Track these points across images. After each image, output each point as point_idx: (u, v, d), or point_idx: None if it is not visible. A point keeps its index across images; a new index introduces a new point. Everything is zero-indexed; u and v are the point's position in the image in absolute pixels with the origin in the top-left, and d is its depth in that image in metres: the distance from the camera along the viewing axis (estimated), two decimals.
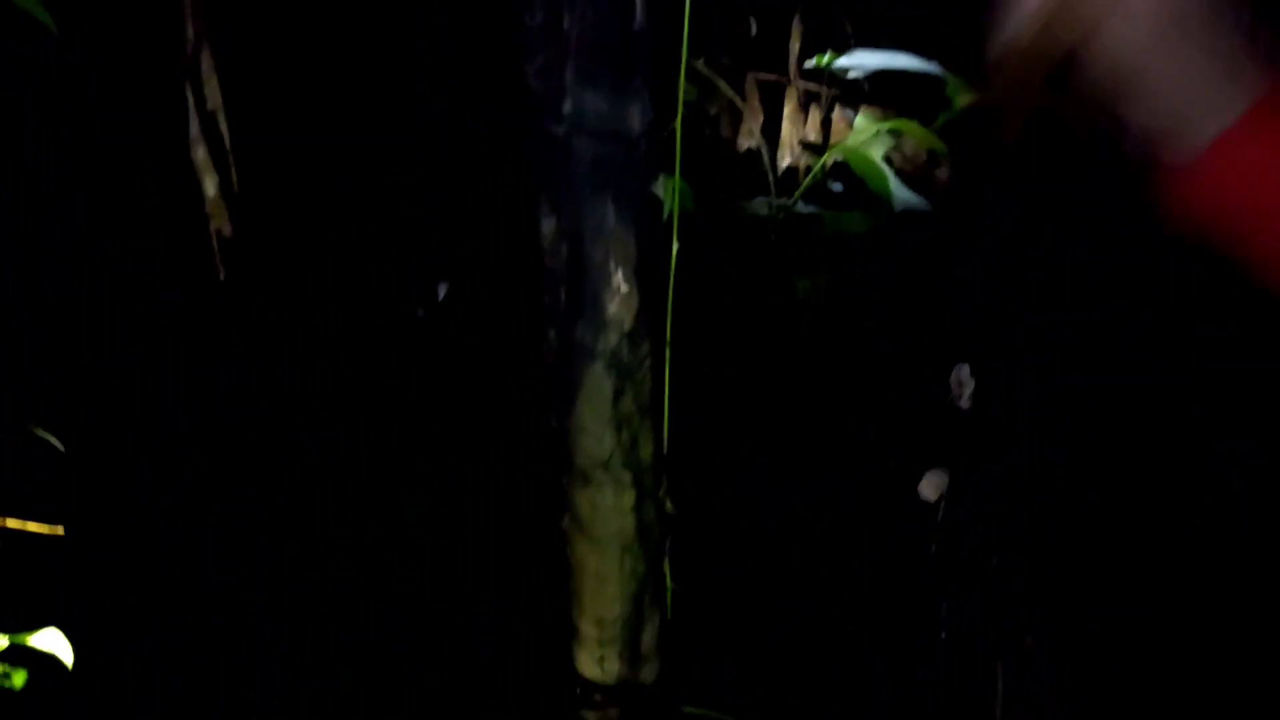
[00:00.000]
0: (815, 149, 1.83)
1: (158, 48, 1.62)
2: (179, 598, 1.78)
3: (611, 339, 1.25)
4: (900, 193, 1.64)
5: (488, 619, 1.81)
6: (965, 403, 1.37)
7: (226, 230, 1.50)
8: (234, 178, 1.55)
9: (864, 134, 1.61)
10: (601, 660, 1.35)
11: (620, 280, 1.24)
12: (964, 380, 1.37)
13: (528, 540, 1.69)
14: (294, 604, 1.84)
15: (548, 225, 1.25)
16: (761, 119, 1.90)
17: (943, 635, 1.40)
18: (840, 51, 1.73)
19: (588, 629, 1.33)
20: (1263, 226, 0.82)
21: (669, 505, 1.28)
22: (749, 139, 1.84)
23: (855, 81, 1.83)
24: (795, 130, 1.84)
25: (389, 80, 1.85)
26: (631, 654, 1.37)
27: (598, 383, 1.25)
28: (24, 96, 1.68)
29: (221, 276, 1.50)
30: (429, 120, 1.87)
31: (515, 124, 1.26)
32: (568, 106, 1.23)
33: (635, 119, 1.25)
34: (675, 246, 1.35)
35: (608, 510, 1.27)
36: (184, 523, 1.81)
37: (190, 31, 1.52)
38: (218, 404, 1.85)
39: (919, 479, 1.45)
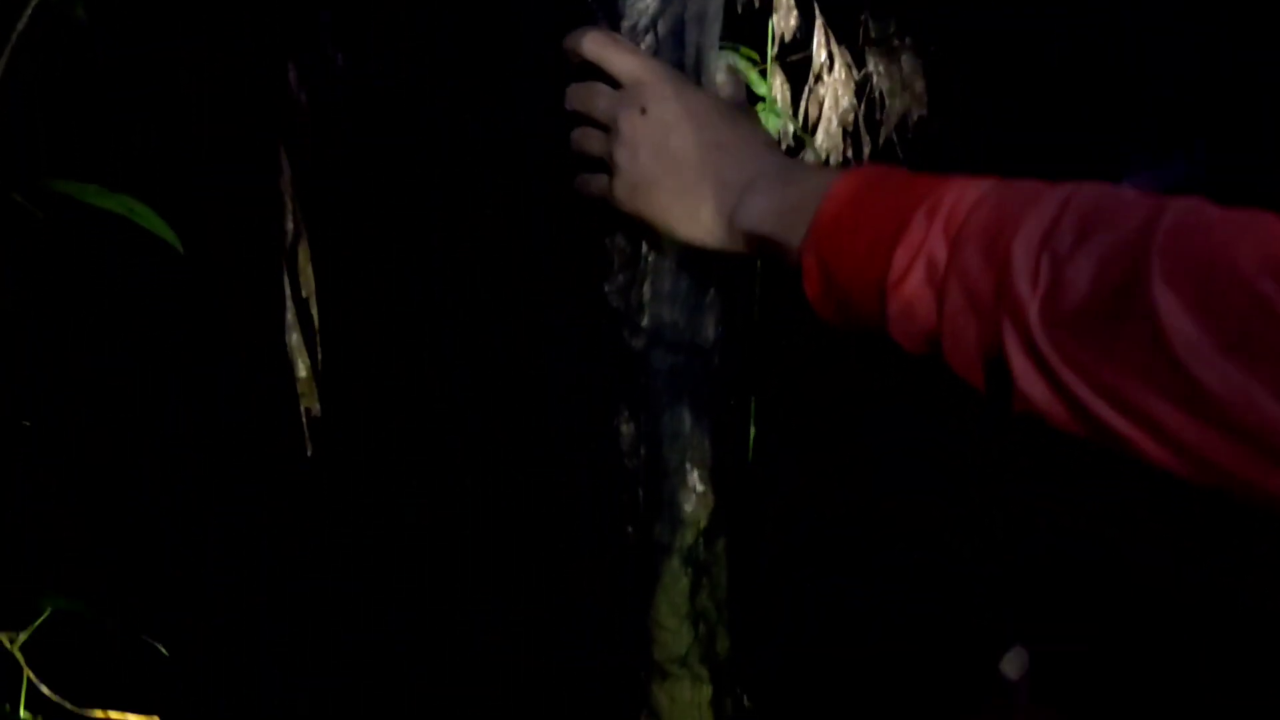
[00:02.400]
0: None
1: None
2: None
3: (688, 537, 1.34)
4: None
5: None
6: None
7: (316, 410, 1.54)
8: (319, 358, 1.57)
9: None
10: None
11: (697, 481, 1.32)
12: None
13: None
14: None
15: (626, 430, 1.31)
16: None
17: None
18: None
19: None
20: (865, 290, 1.00)
21: (747, 701, 1.40)
22: None
23: None
24: None
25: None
26: None
27: (675, 579, 1.35)
28: None
29: (309, 453, 1.55)
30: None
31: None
32: (645, 321, 1.26)
33: (710, 330, 1.30)
34: (752, 431, 1.40)
35: (686, 704, 1.39)
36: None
37: (290, 225, 1.52)
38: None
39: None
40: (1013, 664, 1.48)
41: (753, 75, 1.79)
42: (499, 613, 1.88)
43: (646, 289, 1.26)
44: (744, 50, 1.80)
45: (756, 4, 1.94)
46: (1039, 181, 0.94)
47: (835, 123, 2.09)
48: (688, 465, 1.31)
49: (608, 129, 1.16)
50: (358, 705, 1.93)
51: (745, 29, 1.92)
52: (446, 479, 1.95)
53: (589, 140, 1.19)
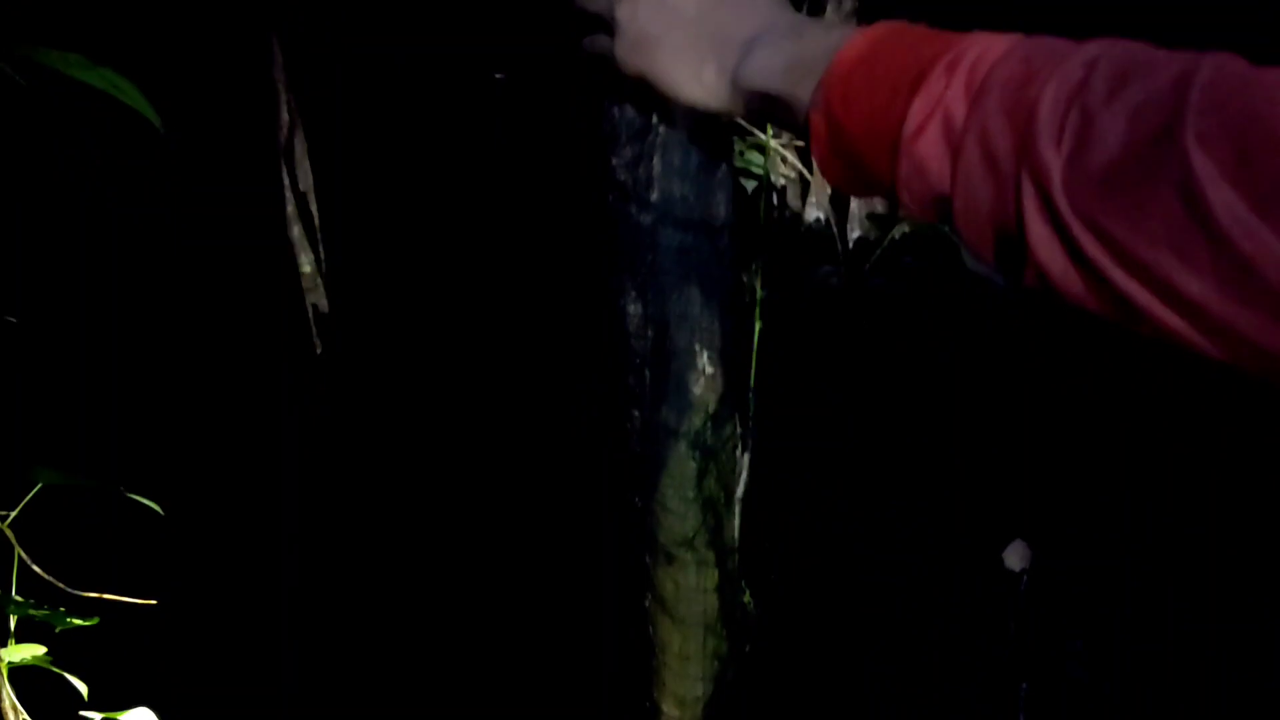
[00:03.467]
0: (884, 221, 1.80)
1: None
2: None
3: (696, 420, 1.31)
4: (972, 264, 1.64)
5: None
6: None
7: (323, 305, 1.51)
8: (322, 254, 1.54)
9: None
10: None
11: (705, 363, 1.30)
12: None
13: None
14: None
15: (633, 310, 1.29)
16: (829, 190, 1.85)
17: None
18: None
19: (670, 709, 1.45)
20: (876, 148, 0.94)
21: (747, 596, 1.37)
22: (817, 210, 1.80)
23: None
24: (864, 202, 1.81)
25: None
26: None
27: (682, 463, 1.32)
28: None
29: (319, 350, 1.51)
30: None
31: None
32: (655, 196, 1.24)
33: (721, 207, 1.27)
34: (758, 326, 1.38)
35: (691, 589, 1.37)
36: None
37: (285, 117, 1.48)
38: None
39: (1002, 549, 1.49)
40: (1015, 555, 1.45)
41: None
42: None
43: (656, 162, 1.22)
44: None
45: None
46: (1066, 40, 0.88)
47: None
48: (697, 347, 1.28)
49: None
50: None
51: None
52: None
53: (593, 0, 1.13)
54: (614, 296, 1.29)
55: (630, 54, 1.11)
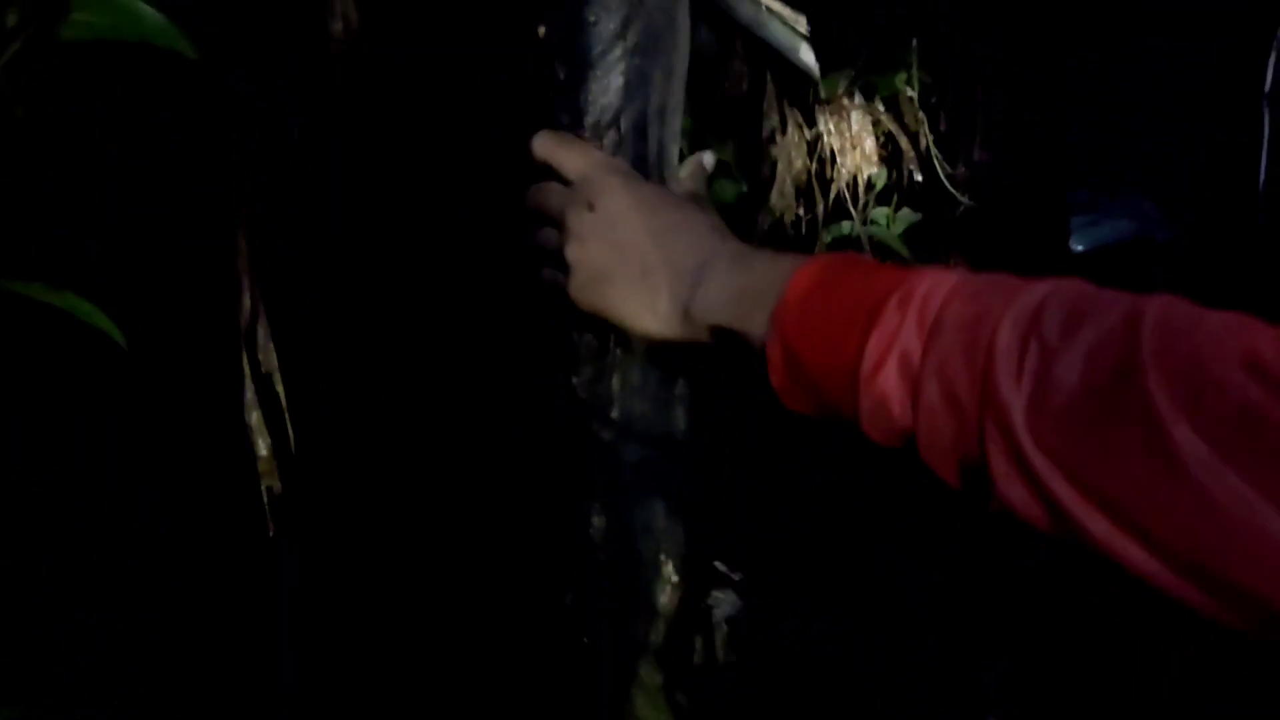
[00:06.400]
0: None
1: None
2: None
3: (663, 629, 1.31)
4: None
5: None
6: None
7: (277, 489, 1.52)
8: (290, 435, 1.55)
9: None
10: None
11: (670, 571, 1.30)
12: None
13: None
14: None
15: (598, 522, 1.30)
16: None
17: None
18: None
19: None
20: (834, 380, 0.95)
21: None
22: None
23: None
24: None
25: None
26: None
27: (651, 674, 1.32)
28: None
29: (271, 533, 1.52)
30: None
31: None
32: (616, 414, 1.24)
33: (680, 420, 1.27)
34: None
35: None
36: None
37: (247, 301, 1.49)
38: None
39: None
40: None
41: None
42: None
43: (615, 381, 1.24)
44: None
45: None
46: (1009, 275, 0.90)
47: (789, 183, 2.08)
48: (662, 557, 1.29)
49: (562, 227, 1.13)
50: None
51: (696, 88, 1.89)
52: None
53: (546, 238, 1.17)
54: (579, 509, 1.29)
55: (584, 292, 1.14)
